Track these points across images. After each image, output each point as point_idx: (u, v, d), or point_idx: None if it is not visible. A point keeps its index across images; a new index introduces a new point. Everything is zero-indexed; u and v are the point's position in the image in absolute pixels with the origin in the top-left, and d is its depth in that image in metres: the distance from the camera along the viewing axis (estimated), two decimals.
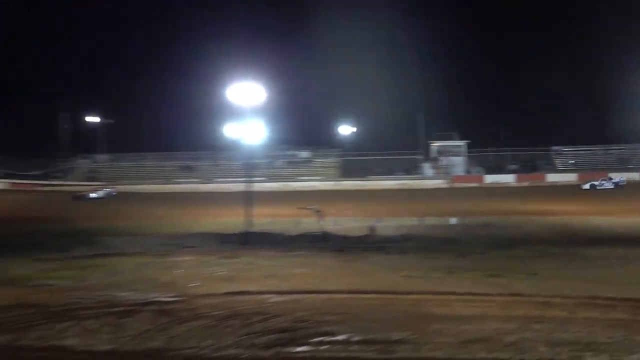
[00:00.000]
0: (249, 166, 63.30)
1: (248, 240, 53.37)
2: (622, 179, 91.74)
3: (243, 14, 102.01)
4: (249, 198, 57.90)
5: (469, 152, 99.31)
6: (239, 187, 72.20)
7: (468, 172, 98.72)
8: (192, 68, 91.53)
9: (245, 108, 56.40)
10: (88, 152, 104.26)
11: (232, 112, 57.69)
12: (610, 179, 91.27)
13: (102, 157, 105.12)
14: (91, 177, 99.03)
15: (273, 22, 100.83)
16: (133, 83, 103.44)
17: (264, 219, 60.63)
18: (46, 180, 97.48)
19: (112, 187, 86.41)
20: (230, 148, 68.22)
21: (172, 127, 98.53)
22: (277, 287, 38.34)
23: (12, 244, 55.82)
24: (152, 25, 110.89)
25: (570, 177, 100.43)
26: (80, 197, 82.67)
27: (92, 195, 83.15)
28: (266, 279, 41.01)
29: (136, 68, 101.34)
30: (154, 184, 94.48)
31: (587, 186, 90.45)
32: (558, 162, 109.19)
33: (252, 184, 60.72)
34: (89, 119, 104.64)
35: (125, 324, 31.48)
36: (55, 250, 53.55)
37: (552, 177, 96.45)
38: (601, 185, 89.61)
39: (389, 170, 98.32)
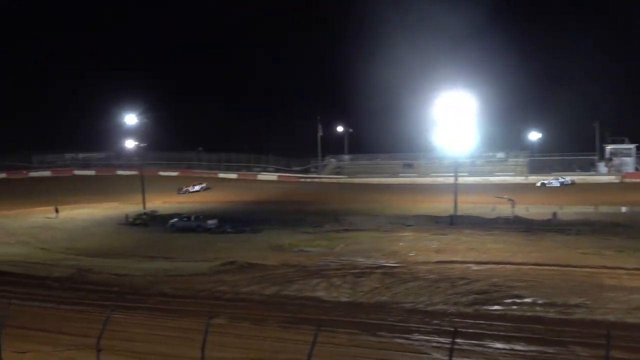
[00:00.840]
0: (456, 164, 62.27)
1: (454, 221, 52.50)
2: (567, 179, 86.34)
3: (453, 35, 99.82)
4: (455, 188, 57.01)
5: (638, 154, 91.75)
6: (448, 180, 71.23)
7: (637, 169, 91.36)
8: (410, 83, 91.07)
9: (455, 115, 55.26)
10: (335, 153, 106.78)
11: (444, 119, 56.57)
12: (557, 179, 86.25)
13: (345, 157, 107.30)
14: (337, 172, 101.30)
15: (477, 43, 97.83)
16: (366, 100, 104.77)
17: (467, 205, 59.33)
18: (304, 174, 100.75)
19: (205, 184, 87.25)
20: (442, 149, 67.23)
21: (397, 132, 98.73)
22: (476, 258, 37.51)
23: (282, 220, 58.47)
24: (377, 49, 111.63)
25: None
26: (185, 192, 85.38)
27: (192, 189, 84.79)
28: (468, 252, 40.21)
29: (368, 89, 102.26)
30: (383, 178, 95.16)
31: (539, 184, 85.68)
32: None
33: (458, 177, 59.67)
34: (337, 128, 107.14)
35: (361, 282, 32.05)
36: (311, 225, 55.49)
37: None
38: (550, 183, 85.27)
39: (568, 168, 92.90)
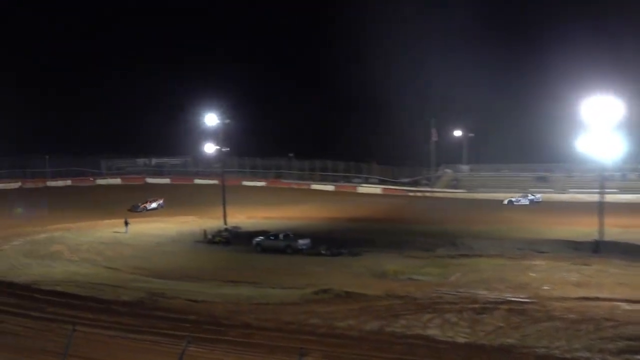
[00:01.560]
0: (602, 177, 60.25)
1: (600, 249, 50.75)
2: (538, 196, 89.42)
3: (595, 30, 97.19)
4: (601, 208, 55.19)
5: None
6: (591, 197, 69.03)
7: None
8: (547, 84, 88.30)
9: (600, 122, 53.68)
10: (451, 163, 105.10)
11: (586, 126, 55.08)
12: (526, 196, 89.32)
13: (463, 167, 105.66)
14: (454, 185, 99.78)
15: (623, 40, 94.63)
16: (492, 101, 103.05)
17: (616, 229, 57.26)
18: (414, 187, 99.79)
19: (162, 200, 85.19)
20: (583, 160, 65.15)
21: (527, 140, 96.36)
22: (628, 296, 36.02)
23: (385, 241, 58.21)
24: (502, 49, 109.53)
25: None
26: (142, 209, 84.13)
27: (150, 206, 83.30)
28: (617, 287, 38.73)
29: (494, 88, 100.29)
30: (510, 193, 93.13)
31: (505, 202, 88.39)
32: None
33: (605, 194, 57.72)
34: (455, 133, 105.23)
35: (482, 319, 31.44)
36: (421, 249, 54.95)
37: None
38: (518, 201, 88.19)
39: None
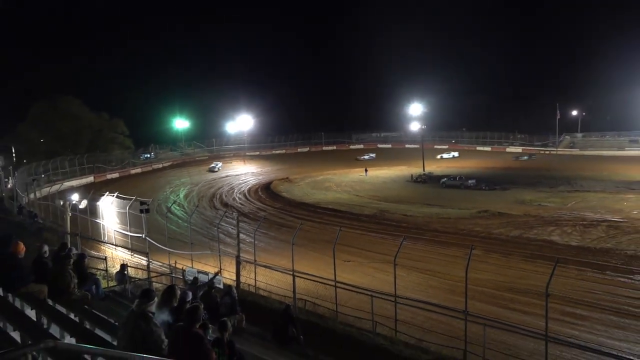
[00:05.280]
0: None
1: None
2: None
3: None
4: None
5: None
6: None
7: None
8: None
9: None
10: (570, 132, 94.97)
11: None
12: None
13: (578, 135, 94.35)
14: (571, 146, 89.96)
15: None
16: (599, 89, 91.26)
17: None
18: (544, 147, 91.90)
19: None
20: None
21: (624, 113, 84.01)
22: None
23: (524, 182, 54.18)
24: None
25: None
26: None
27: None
28: None
29: (602, 80, 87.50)
30: (610, 151, 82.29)
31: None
32: None
33: None
34: (573, 112, 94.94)
35: (589, 231, 28.85)
36: (548, 186, 50.72)
37: None
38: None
39: None
